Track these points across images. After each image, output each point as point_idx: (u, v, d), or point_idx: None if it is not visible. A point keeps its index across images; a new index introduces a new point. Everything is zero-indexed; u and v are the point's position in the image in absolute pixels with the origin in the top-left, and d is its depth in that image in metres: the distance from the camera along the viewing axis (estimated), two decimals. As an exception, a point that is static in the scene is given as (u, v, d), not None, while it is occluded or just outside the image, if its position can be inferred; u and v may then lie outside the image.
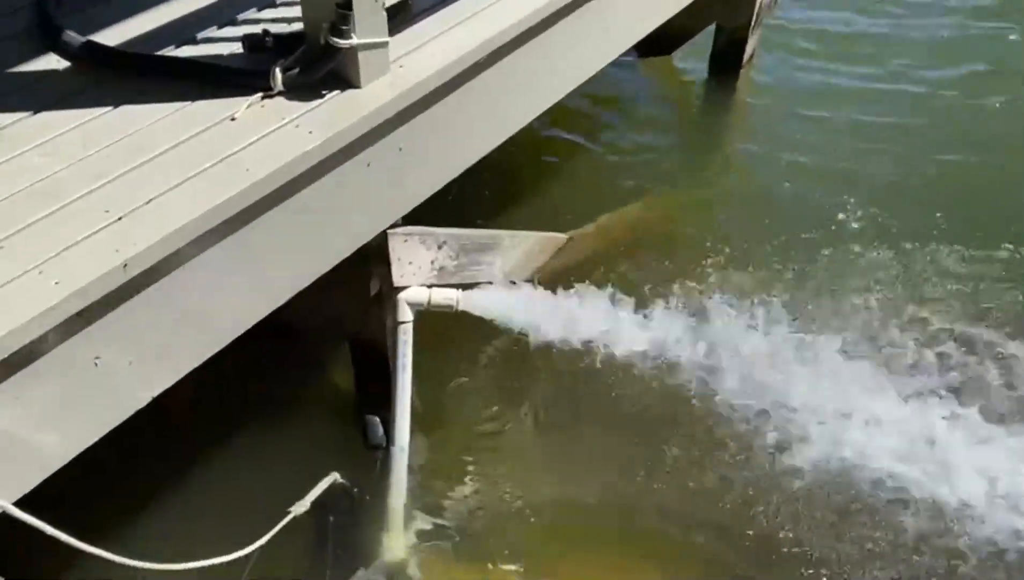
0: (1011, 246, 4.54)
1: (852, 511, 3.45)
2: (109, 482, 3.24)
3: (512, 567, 3.35)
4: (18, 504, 2.23)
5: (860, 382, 3.78)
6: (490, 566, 3.36)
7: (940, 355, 3.95)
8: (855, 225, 4.73)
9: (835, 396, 3.71)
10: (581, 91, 3.92)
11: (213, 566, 2.71)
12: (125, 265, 2.27)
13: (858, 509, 3.45)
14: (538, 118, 3.76)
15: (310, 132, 2.68)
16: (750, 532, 3.41)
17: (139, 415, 2.53)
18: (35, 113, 2.77)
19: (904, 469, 3.50)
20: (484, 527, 3.47)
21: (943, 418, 3.65)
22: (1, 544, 2.34)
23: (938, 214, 4.76)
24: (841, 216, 4.79)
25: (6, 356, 2.10)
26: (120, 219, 2.38)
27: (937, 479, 3.46)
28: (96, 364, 2.35)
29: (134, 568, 2.50)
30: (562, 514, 3.53)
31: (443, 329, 3.71)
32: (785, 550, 3.35)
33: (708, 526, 3.45)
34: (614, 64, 4.25)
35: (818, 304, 4.24)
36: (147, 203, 2.43)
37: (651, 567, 3.37)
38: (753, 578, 3.31)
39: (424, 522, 3.47)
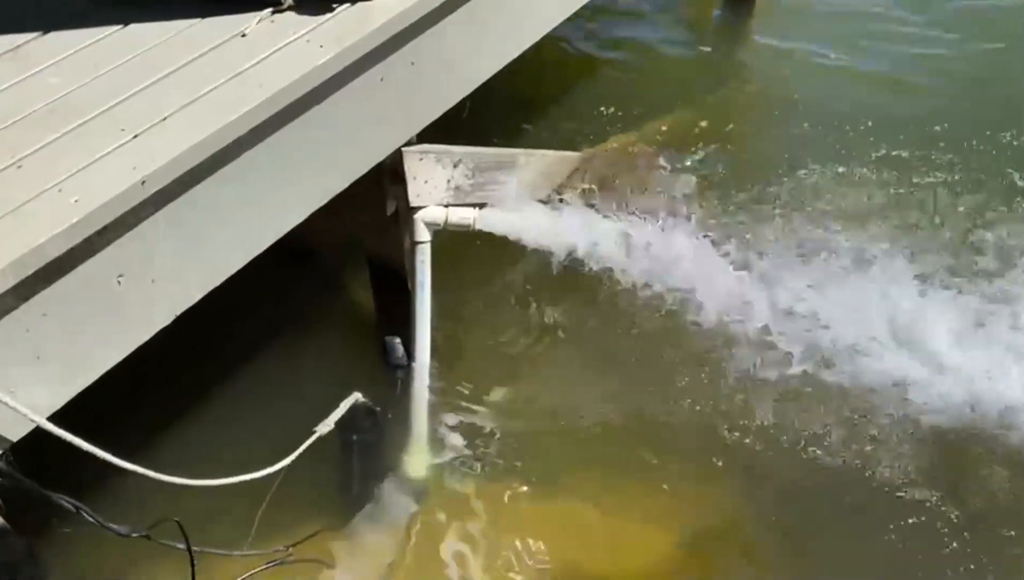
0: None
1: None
2: (136, 405, 3.30)
3: (534, 482, 3.40)
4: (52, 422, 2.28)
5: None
6: (512, 482, 3.40)
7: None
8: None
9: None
10: (597, 9, 3.80)
11: (241, 483, 2.77)
12: (143, 182, 2.29)
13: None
14: (554, 35, 3.69)
15: (321, 46, 2.66)
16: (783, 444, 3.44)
17: (165, 339, 2.57)
18: (45, 32, 2.76)
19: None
20: (506, 443, 3.52)
21: None
22: (37, 463, 2.39)
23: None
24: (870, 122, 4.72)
25: (30, 273, 2.13)
26: (136, 137, 2.39)
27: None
28: (119, 282, 2.38)
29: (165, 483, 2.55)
30: (584, 430, 3.56)
31: (462, 248, 3.72)
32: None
33: (735, 445, 3.45)
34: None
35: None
36: (162, 121, 2.44)
37: (683, 488, 3.38)
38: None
39: (446, 438, 3.52)
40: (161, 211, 2.37)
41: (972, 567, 3.09)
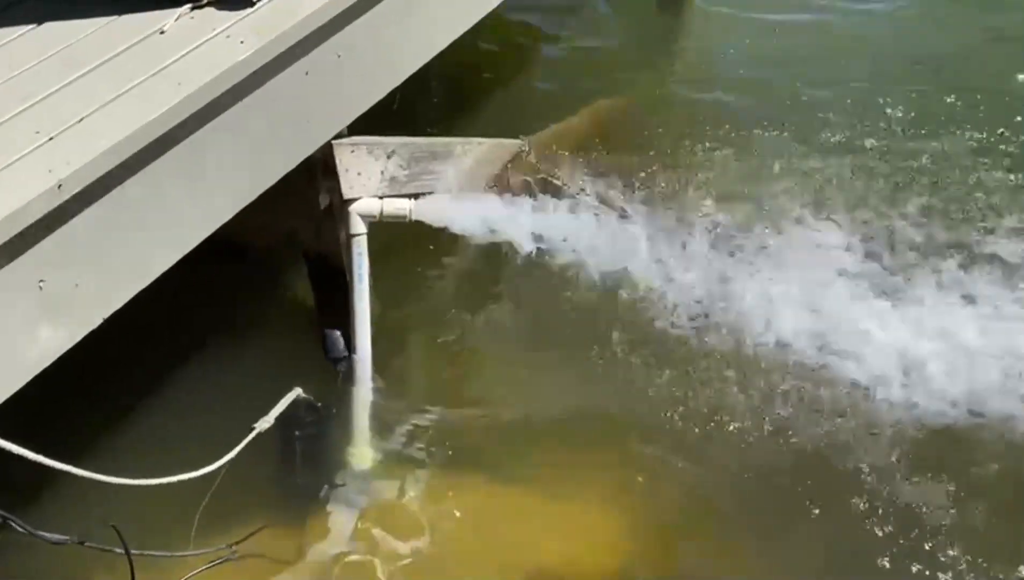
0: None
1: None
2: (73, 406, 3.26)
3: (482, 470, 3.41)
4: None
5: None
6: (459, 470, 3.41)
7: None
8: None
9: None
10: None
11: (181, 482, 2.75)
12: (60, 185, 2.25)
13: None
14: (488, 24, 3.68)
15: (242, 42, 2.64)
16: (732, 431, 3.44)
17: (100, 339, 2.54)
18: (-45, 34, 2.69)
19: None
20: (451, 431, 3.52)
21: None
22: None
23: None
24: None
25: (-56, 282, 2.09)
26: (51, 139, 2.35)
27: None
28: (41, 287, 2.34)
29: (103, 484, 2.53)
30: (531, 415, 3.57)
31: (400, 239, 3.70)
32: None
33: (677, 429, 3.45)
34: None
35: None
36: (78, 122, 2.40)
37: (637, 471, 3.37)
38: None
39: (390, 430, 3.51)
40: (80, 214, 2.33)
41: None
